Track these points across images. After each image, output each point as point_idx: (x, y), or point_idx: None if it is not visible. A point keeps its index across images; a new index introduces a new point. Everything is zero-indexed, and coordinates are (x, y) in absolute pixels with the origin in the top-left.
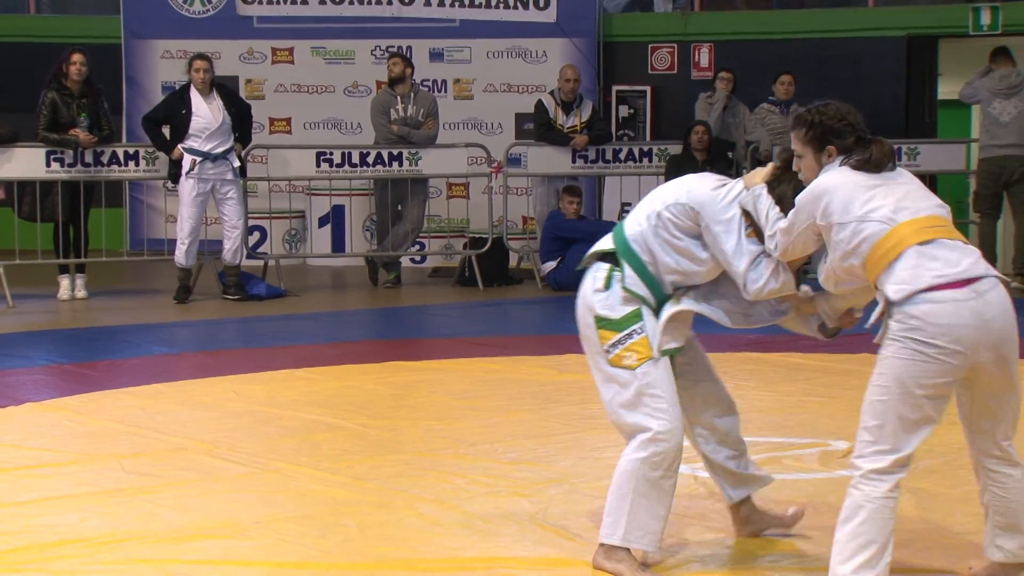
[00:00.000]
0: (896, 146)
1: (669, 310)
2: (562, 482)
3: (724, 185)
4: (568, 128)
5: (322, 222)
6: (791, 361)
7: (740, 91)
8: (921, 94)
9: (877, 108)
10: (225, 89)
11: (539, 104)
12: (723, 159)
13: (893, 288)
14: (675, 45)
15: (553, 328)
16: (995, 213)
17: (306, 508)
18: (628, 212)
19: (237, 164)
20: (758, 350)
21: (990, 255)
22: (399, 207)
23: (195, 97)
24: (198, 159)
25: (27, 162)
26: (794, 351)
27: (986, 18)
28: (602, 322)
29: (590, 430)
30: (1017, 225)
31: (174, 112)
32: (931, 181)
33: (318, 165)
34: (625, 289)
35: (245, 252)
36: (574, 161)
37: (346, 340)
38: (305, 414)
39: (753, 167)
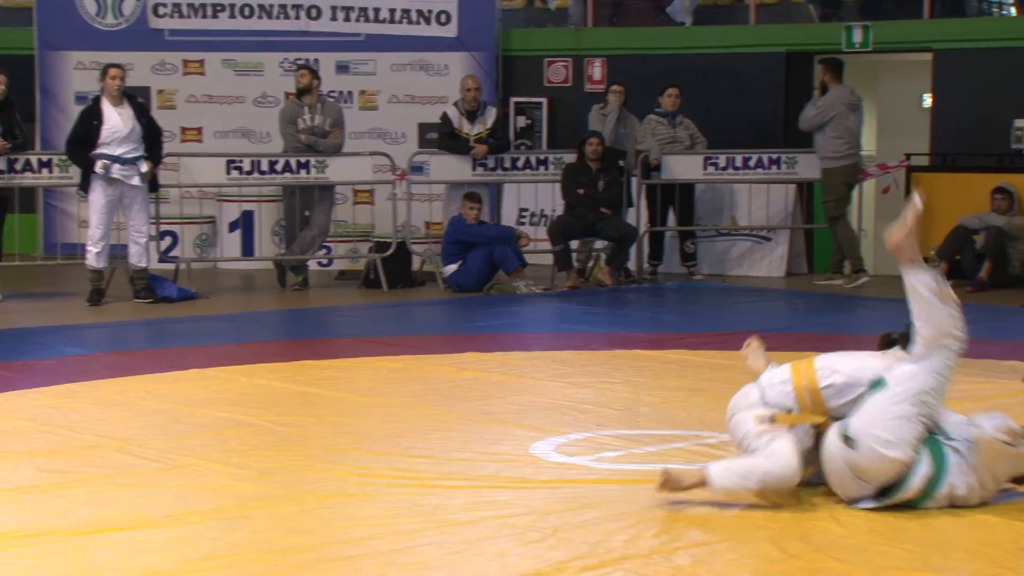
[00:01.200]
0: (776, 155)
1: None
2: (463, 476)
3: None
4: (474, 136)
5: (232, 227)
6: (679, 358)
7: (630, 103)
8: (799, 107)
9: (758, 120)
10: (138, 103)
11: (444, 116)
12: (615, 167)
13: None
14: (569, 59)
15: (454, 328)
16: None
17: (215, 502)
18: (527, 216)
19: (145, 169)
20: (649, 347)
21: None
22: (306, 213)
23: (106, 107)
24: (108, 163)
25: None
26: (682, 348)
27: (858, 36)
28: None
29: (488, 425)
30: (842, 227)
31: (89, 126)
32: (808, 188)
33: (228, 172)
34: None
35: (154, 256)
36: (474, 169)
37: (255, 340)
38: (215, 411)
39: (644, 174)
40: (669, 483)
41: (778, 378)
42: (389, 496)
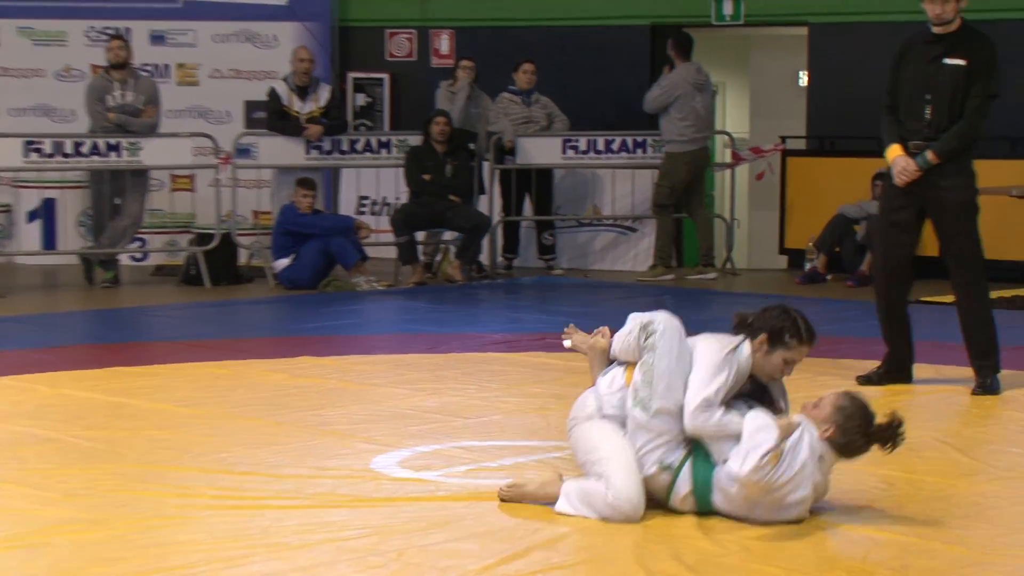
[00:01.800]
0: (642, 138)
1: None
2: (296, 494)
3: None
4: (306, 115)
5: (31, 217)
6: (537, 361)
7: (482, 80)
8: None
9: (621, 97)
10: None
11: (271, 92)
12: (465, 151)
13: None
14: (414, 31)
15: (286, 329)
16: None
17: (11, 528)
18: (367, 204)
19: None
20: (503, 350)
21: (675, 249)
22: (117, 201)
23: None
24: None
25: None
26: (540, 350)
27: (728, 8)
28: None
29: (324, 437)
30: (702, 217)
31: None
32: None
33: (26, 155)
34: None
35: None
36: (308, 152)
37: (58, 344)
38: (11, 426)
39: (496, 158)
40: (514, 496)
41: (616, 384)
42: (212, 519)
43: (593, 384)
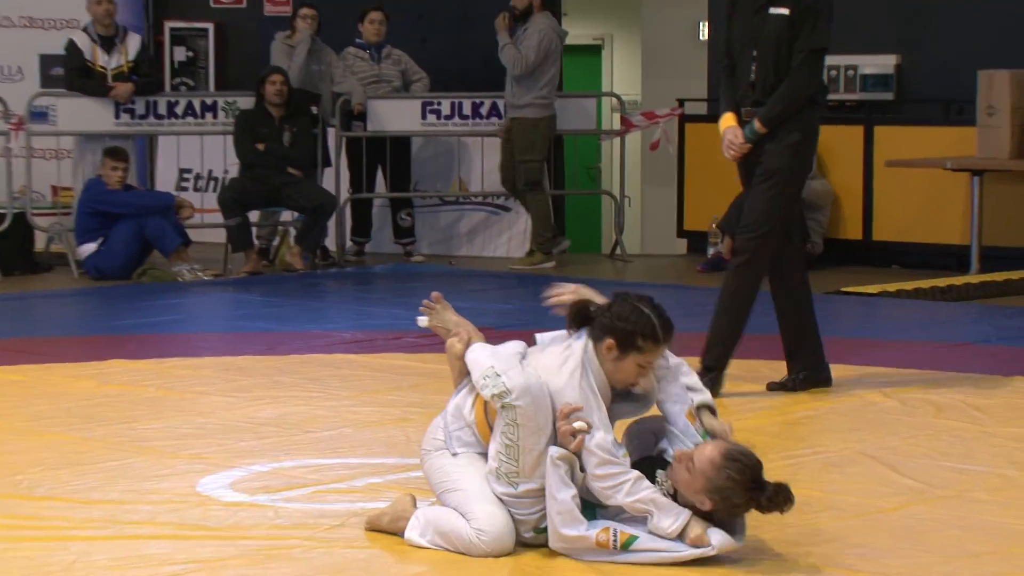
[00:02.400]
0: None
1: None
2: (108, 523)
3: None
4: (113, 71)
5: None
6: (395, 364)
7: (325, 31)
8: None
9: (490, 52)
10: None
11: (70, 44)
12: (306, 115)
13: None
14: None
15: (93, 327)
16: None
17: None
18: (189, 179)
19: None
20: (354, 350)
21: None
22: None
23: None
24: None
25: None
26: (398, 351)
27: None
28: None
29: (141, 455)
30: (541, 197)
31: None
32: (556, 144)
33: None
34: None
35: None
36: (118, 116)
37: None
38: None
39: (343, 124)
40: (371, 525)
41: (466, 416)
42: (6, 554)
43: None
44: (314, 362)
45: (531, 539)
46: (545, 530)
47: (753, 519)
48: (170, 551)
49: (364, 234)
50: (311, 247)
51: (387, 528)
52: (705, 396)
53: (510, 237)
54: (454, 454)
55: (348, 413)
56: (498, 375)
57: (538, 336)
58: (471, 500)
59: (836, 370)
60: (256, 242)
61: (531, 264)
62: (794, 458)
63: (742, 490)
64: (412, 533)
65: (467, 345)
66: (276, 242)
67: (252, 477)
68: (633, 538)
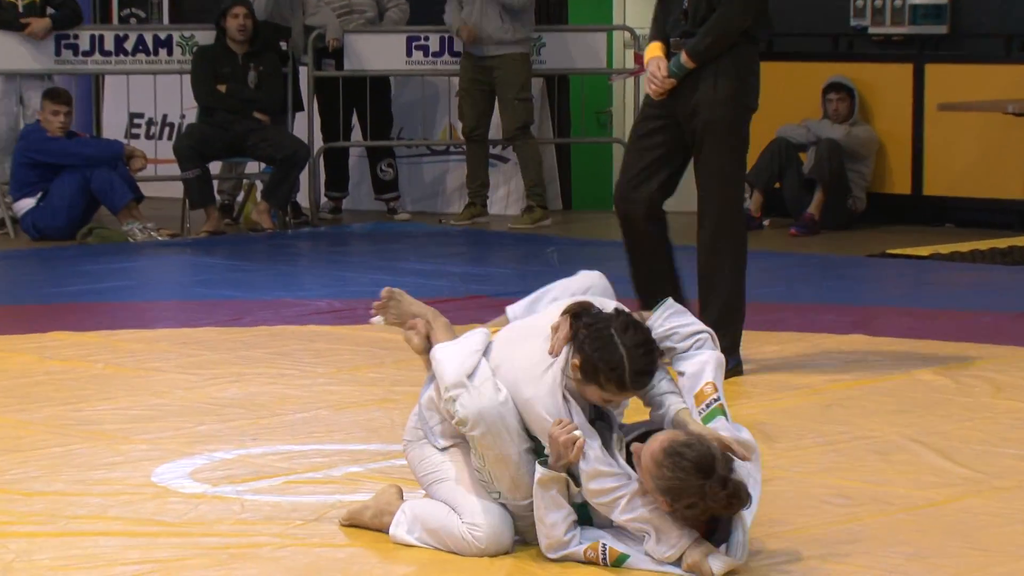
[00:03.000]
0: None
1: None
2: (51, 518)
3: None
4: (23, 1)
5: None
6: (376, 337)
7: None
8: None
9: None
10: None
11: None
12: (273, 52)
13: None
14: None
15: (32, 295)
16: None
17: None
18: (141, 125)
19: None
20: (330, 321)
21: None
22: None
23: None
24: None
25: None
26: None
27: None
28: None
29: (89, 440)
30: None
31: None
32: (561, 84)
33: None
34: None
35: None
36: (59, 53)
37: None
38: None
39: (317, 63)
40: (351, 523)
41: (440, 415)
42: None
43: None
44: (285, 334)
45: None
46: None
47: (793, 515)
48: (122, 549)
49: (340, 188)
50: (280, 203)
51: (369, 524)
52: (684, 402)
53: (508, 192)
54: (441, 449)
55: (324, 393)
56: (453, 400)
57: (509, 310)
58: (462, 492)
59: (881, 344)
60: (218, 198)
61: (532, 222)
62: (832, 444)
63: (691, 487)
64: (398, 530)
65: (425, 338)
66: (241, 198)
67: (215, 465)
68: (624, 556)
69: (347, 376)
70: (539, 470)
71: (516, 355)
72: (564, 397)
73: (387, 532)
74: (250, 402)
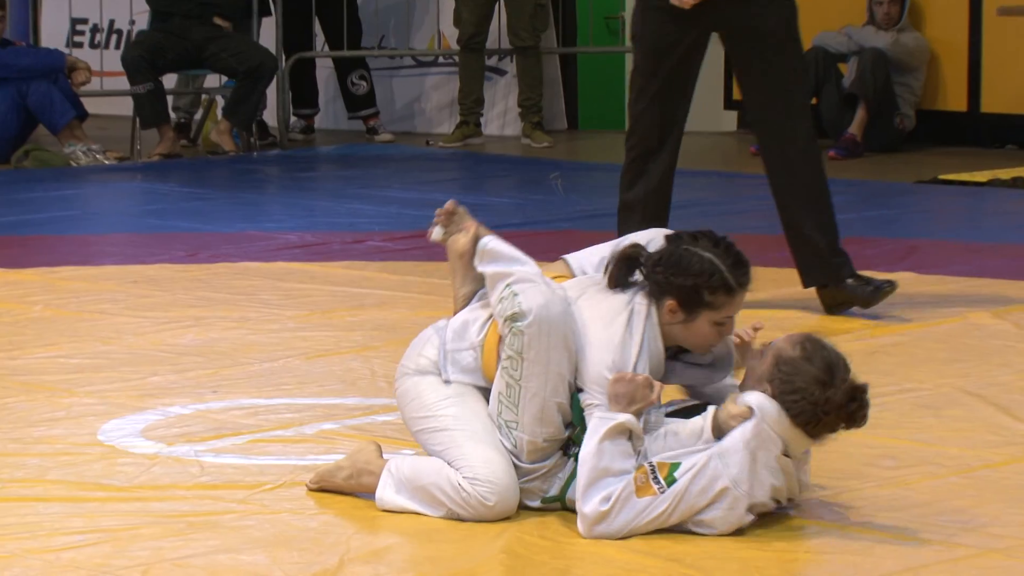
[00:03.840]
0: None
1: None
2: None
3: None
4: None
5: None
6: (356, 276)
7: None
8: None
9: None
10: None
11: None
12: None
13: None
14: None
15: None
16: None
17: None
18: (84, 33)
19: None
20: (302, 257)
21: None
22: None
23: None
24: None
25: None
26: (358, 258)
27: None
28: None
29: (25, 393)
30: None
31: None
32: None
33: None
34: None
35: None
36: None
37: None
38: None
39: None
40: (322, 487)
41: (471, 337)
42: None
43: (455, 306)
44: (250, 272)
45: (536, 507)
46: (555, 499)
47: (832, 478)
48: (64, 517)
49: (311, 105)
50: (244, 122)
51: (343, 487)
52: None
53: (506, 109)
54: (446, 381)
55: (295, 339)
56: (515, 294)
57: (571, 260)
58: (462, 442)
59: (931, 283)
60: (173, 116)
61: (535, 143)
62: (877, 397)
63: (810, 375)
64: (385, 492)
65: (474, 239)
66: (199, 116)
67: (170, 422)
68: (675, 465)
69: (321, 320)
70: (607, 418)
71: (584, 303)
72: (640, 351)
73: (363, 496)
74: (210, 349)
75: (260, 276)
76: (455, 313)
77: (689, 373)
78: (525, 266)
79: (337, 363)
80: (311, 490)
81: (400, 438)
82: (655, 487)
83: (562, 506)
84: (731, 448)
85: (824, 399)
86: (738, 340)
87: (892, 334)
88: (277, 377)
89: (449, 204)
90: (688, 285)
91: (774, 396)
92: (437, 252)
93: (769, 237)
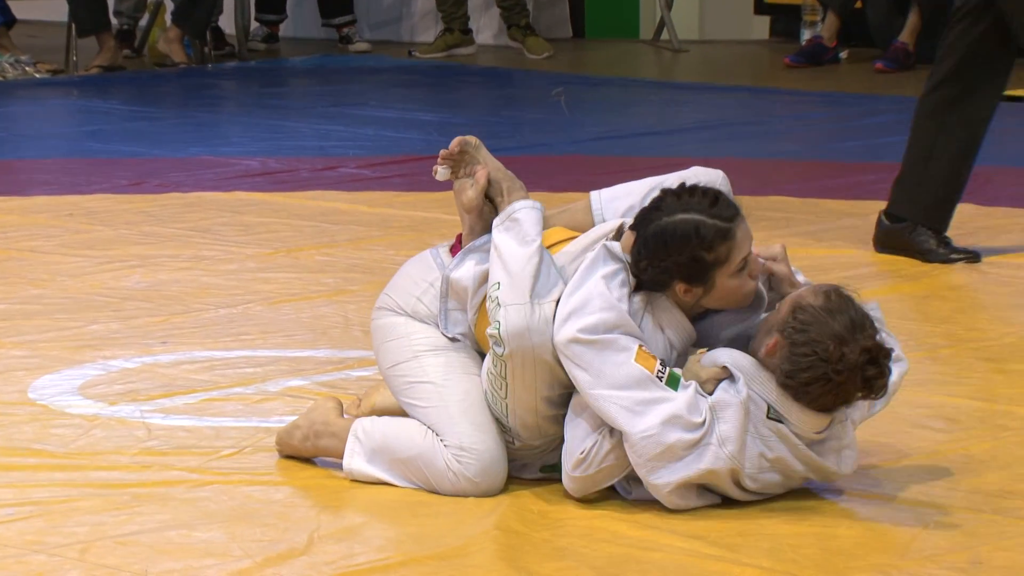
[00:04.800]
0: None
1: None
2: None
3: None
4: None
5: None
6: (327, 208)
7: None
8: None
9: None
10: None
11: None
12: None
13: None
14: None
15: None
16: None
17: None
18: None
19: None
20: (265, 186)
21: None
22: None
23: None
24: None
25: None
26: (332, 187)
27: None
28: None
29: None
30: None
31: None
32: None
33: None
34: None
35: None
36: None
37: None
38: None
39: None
40: (282, 448)
41: (463, 301)
42: None
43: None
44: (204, 204)
45: (531, 478)
46: (553, 467)
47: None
48: None
49: (276, 10)
50: (197, 30)
51: (301, 449)
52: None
53: (496, 15)
54: (450, 337)
55: (256, 282)
56: (500, 306)
57: (595, 201)
58: (450, 403)
59: (994, 216)
60: (114, 21)
61: (530, 53)
62: (931, 350)
63: (828, 329)
64: (354, 460)
65: (482, 193)
66: (144, 22)
67: (112, 377)
68: (677, 376)
69: (286, 260)
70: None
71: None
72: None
73: (330, 464)
74: (158, 294)
75: (216, 208)
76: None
77: (719, 320)
78: (531, 262)
79: (305, 309)
80: (280, 453)
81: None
82: (657, 366)
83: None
84: (725, 402)
85: (839, 355)
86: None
87: (948, 276)
88: (236, 326)
89: (455, 143)
90: (683, 260)
91: (782, 348)
92: (420, 181)
93: (807, 163)
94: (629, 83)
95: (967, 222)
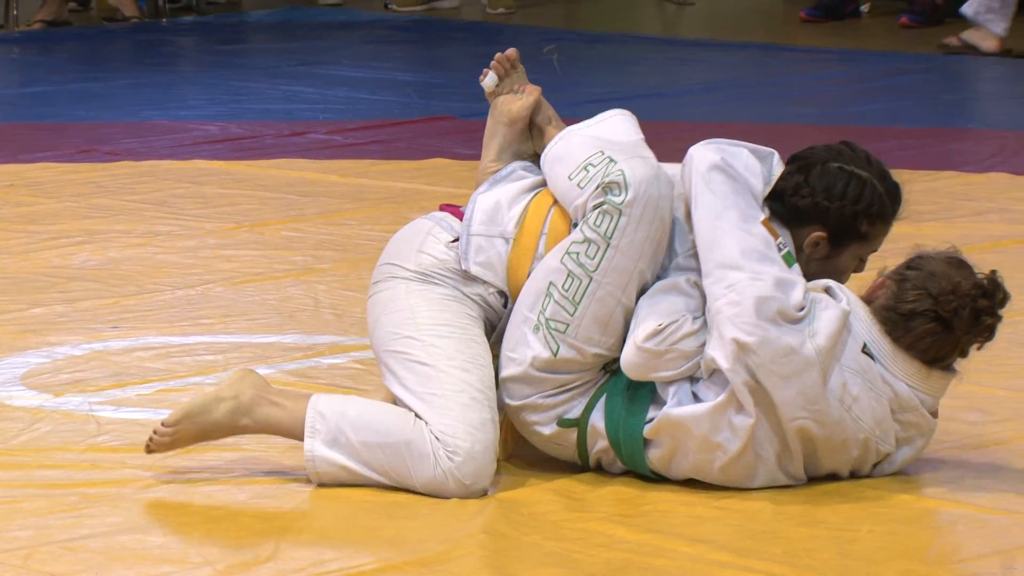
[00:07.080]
0: None
1: None
2: None
3: None
4: None
5: None
6: (295, 177)
7: None
8: None
9: None
10: None
11: None
12: None
13: None
14: None
15: None
16: None
17: None
18: None
19: None
20: (227, 154)
21: None
22: None
23: None
24: None
25: None
26: (300, 155)
27: None
28: None
29: None
30: None
31: None
32: None
33: None
34: None
35: None
36: None
37: None
38: None
39: None
40: (178, 438)
41: (499, 227)
42: None
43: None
44: (159, 173)
45: (545, 440)
46: (574, 423)
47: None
48: None
49: None
50: None
51: (224, 425)
52: None
53: None
54: (462, 293)
55: (216, 260)
56: (612, 160)
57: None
58: (449, 393)
59: None
60: None
61: (491, 7)
62: None
63: (945, 273)
64: (315, 442)
65: (531, 106)
66: None
67: (58, 366)
68: (790, 256)
69: (250, 236)
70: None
71: None
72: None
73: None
74: (108, 273)
75: (172, 178)
76: (477, 189)
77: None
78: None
79: (271, 290)
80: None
81: (355, 388)
82: (780, 240)
83: (581, 434)
84: (826, 302)
85: (949, 288)
86: None
87: (981, 251)
88: (194, 308)
89: (512, 51)
90: (847, 212)
91: (889, 287)
92: (396, 148)
93: (824, 128)
94: (629, 39)
95: (1000, 193)
